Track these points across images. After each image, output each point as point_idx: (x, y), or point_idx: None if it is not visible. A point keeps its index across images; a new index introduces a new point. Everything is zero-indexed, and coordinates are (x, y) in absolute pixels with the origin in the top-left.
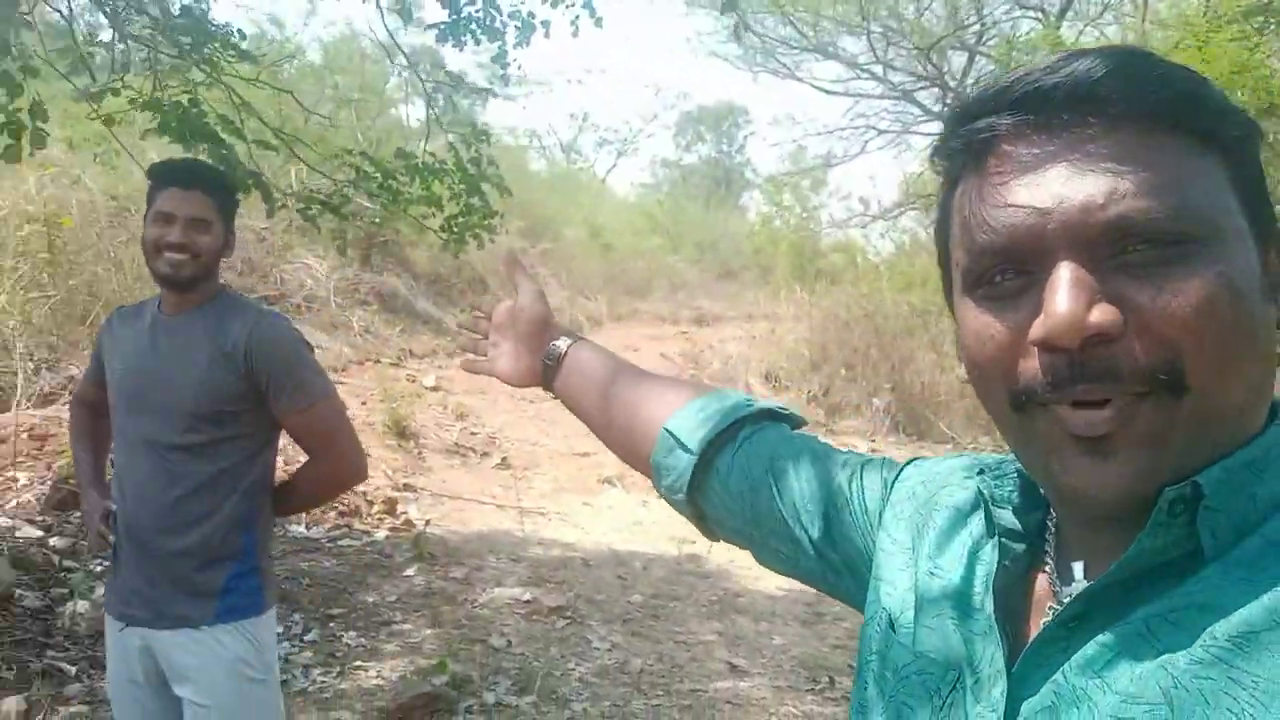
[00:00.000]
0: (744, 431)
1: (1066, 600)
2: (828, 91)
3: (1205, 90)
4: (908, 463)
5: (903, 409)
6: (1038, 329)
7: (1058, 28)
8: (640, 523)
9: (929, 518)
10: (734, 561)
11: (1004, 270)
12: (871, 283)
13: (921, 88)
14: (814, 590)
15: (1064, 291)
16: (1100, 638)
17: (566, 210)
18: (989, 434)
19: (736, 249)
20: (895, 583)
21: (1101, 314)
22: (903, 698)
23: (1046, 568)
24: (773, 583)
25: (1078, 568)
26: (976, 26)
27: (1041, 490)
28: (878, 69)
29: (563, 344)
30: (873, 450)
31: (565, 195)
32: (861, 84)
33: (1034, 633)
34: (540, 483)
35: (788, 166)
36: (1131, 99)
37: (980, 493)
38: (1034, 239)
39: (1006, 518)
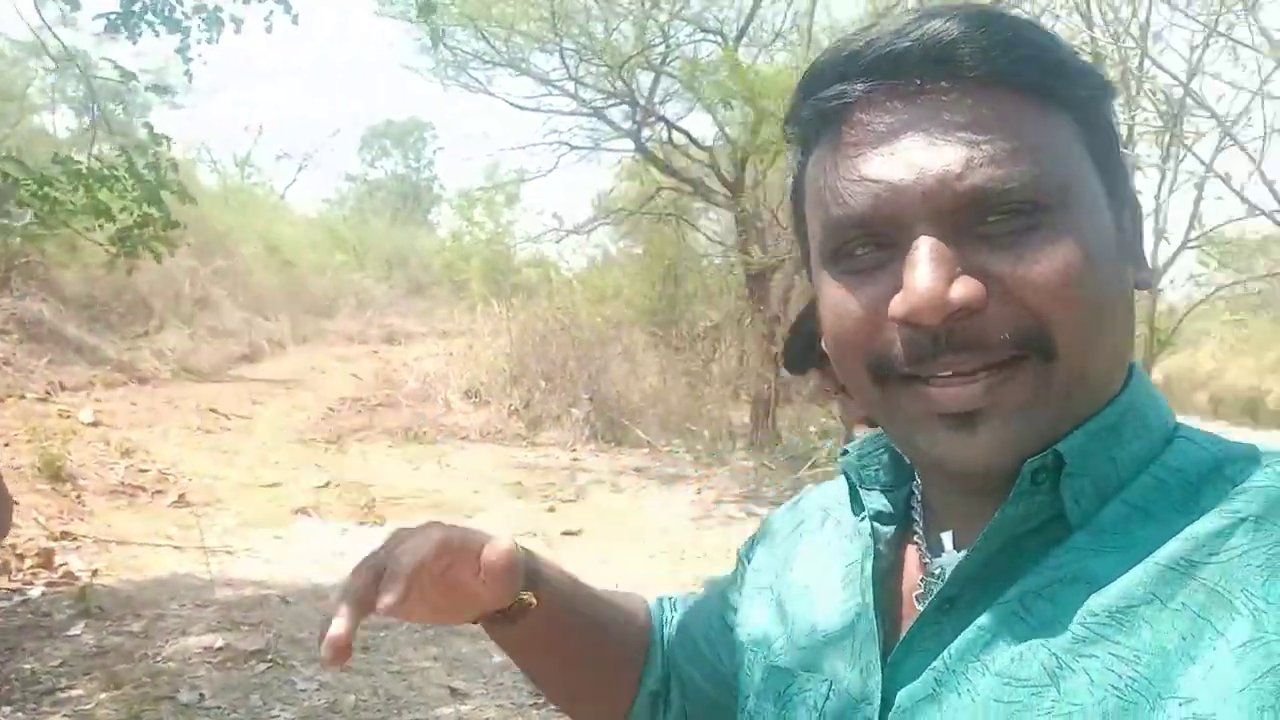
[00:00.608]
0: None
1: (937, 572)
2: (520, 107)
3: (1058, 50)
4: (765, 522)
5: (601, 417)
6: (898, 306)
7: (735, 51)
8: (343, 553)
9: (796, 541)
10: None
11: (862, 243)
12: (566, 296)
13: (612, 105)
14: None
15: (924, 267)
16: (978, 621)
17: (242, 227)
18: (680, 436)
19: (427, 265)
20: (759, 622)
21: (963, 289)
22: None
23: (916, 540)
24: None
25: (946, 538)
26: (662, 47)
27: (908, 460)
28: (570, 86)
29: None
30: (573, 459)
31: (240, 211)
32: (554, 100)
33: (906, 610)
34: (224, 519)
35: (481, 181)
36: (985, 61)
37: (845, 476)
38: (892, 212)
39: (876, 499)
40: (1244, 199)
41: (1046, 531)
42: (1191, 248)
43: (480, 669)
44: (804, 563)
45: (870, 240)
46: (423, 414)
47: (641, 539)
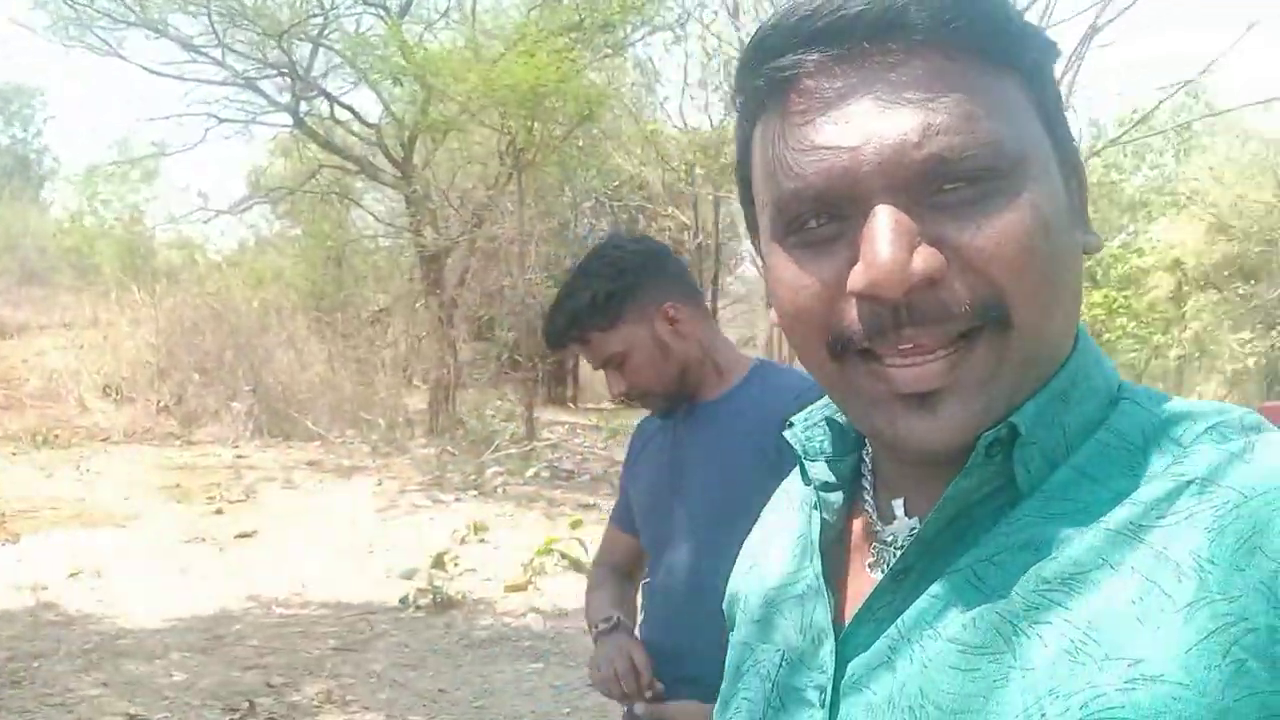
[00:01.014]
0: None
1: (889, 539)
2: (158, 74)
3: (1005, 12)
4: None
5: (265, 410)
6: (857, 279)
7: (399, 26)
8: None
9: (762, 528)
10: (101, 601)
11: (816, 215)
12: (218, 281)
13: (268, 76)
14: (208, 613)
15: (884, 238)
16: (932, 589)
17: None
18: (354, 426)
19: (42, 249)
20: (738, 605)
21: (924, 260)
22: (741, 697)
23: (866, 508)
24: (157, 614)
25: (898, 505)
26: (320, 18)
27: (859, 431)
28: (218, 53)
29: None
30: (238, 456)
31: None
32: (200, 68)
33: (855, 578)
34: None
35: (112, 155)
36: (937, 25)
37: (791, 447)
38: (847, 182)
39: (820, 470)
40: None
41: (996, 499)
42: None
43: (161, 690)
44: (759, 540)
45: (825, 211)
46: (52, 415)
47: (324, 536)
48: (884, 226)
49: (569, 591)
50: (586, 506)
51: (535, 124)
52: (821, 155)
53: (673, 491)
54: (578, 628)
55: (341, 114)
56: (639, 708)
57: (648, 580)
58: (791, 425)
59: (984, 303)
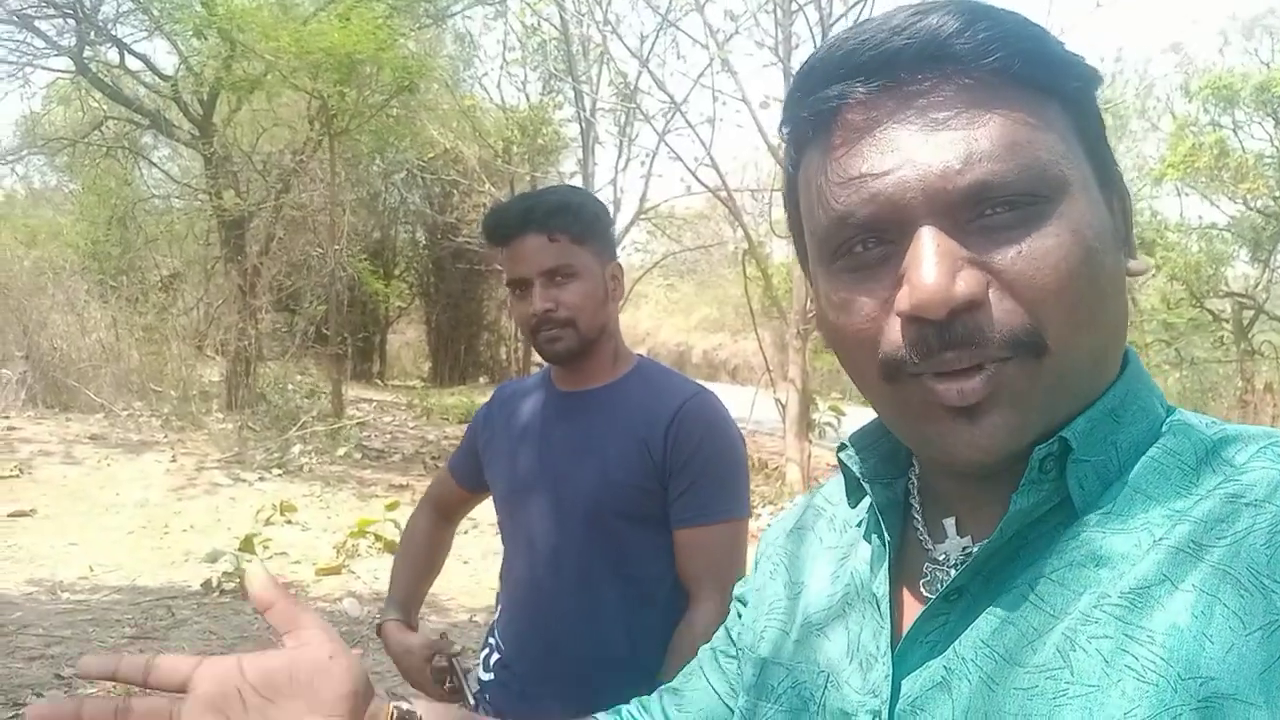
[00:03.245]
0: None
1: (941, 559)
2: None
3: (1048, 42)
4: (760, 542)
5: (41, 379)
6: (903, 300)
7: None
8: None
9: (793, 544)
10: None
11: (864, 240)
12: None
13: (47, 16)
14: None
15: (929, 262)
16: (988, 608)
17: None
18: (143, 399)
19: None
20: (750, 624)
21: (967, 283)
22: (779, 718)
23: (916, 528)
24: None
25: (949, 524)
26: None
27: (911, 450)
28: None
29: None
30: (9, 428)
31: None
32: None
33: (907, 599)
34: None
35: None
36: (980, 55)
37: (844, 468)
38: (893, 208)
39: (875, 490)
40: (693, 175)
41: (1051, 518)
42: (642, 219)
43: None
44: (798, 561)
45: (871, 236)
46: None
47: (113, 515)
48: (929, 250)
49: (386, 574)
50: (399, 487)
51: (349, 91)
52: (869, 183)
53: (543, 472)
54: None
55: (133, 63)
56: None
57: (505, 567)
58: (845, 448)
59: (1020, 328)
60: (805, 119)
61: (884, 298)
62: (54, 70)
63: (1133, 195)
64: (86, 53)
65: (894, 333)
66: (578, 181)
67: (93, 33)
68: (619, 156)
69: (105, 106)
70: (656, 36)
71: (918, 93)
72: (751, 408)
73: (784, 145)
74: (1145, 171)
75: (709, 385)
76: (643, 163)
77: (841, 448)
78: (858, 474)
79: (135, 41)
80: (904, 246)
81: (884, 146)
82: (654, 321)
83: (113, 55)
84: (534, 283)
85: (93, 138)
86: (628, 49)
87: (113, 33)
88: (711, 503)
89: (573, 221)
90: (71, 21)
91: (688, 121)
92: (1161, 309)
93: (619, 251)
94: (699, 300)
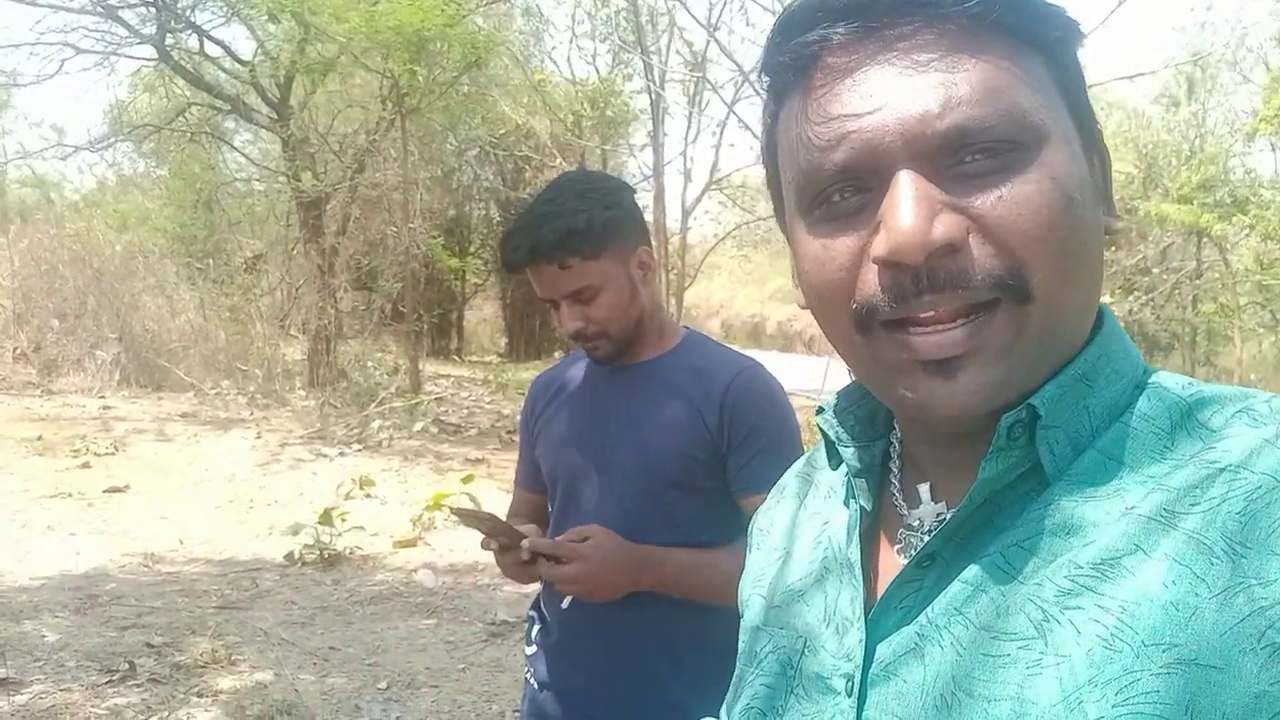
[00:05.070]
0: None
1: (915, 524)
2: None
3: None
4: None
5: (134, 359)
6: (879, 245)
7: None
8: None
9: (775, 509)
10: None
11: (841, 188)
12: (78, 222)
13: (129, 5)
14: (79, 571)
15: (905, 205)
16: (960, 575)
17: None
18: (229, 377)
19: None
20: (743, 592)
21: (946, 226)
22: (759, 683)
23: (892, 492)
24: (23, 573)
25: (924, 489)
26: None
27: (890, 408)
28: None
29: None
30: (104, 407)
31: None
32: None
33: (884, 565)
34: None
35: None
36: (959, 0)
37: (822, 431)
38: (871, 153)
39: (851, 453)
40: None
41: (1024, 484)
42: (713, 190)
43: (33, 652)
44: (780, 526)
45: (849, 184)
46: None
47: (202, 490)
48: (906, 193)
49: (460, 546)
50: (475, 461)
51: (420, 69)
52: (846, 128)
53: (596, 450)
54: (471, 583)
55: (212, 49)
56: (524, 550)
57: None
58: (821, 411)
59: (1003, 273)
60: (785, 64)
61: (860, 247)
62: (138, 59)
63: (1224, 151)
64: (168, 40)
65: (870, 282)
66: (648, 156)
67: (173, 20)
68: (689, 127)
69: (188, 93)
70: (725, 5)
71: (898, 36)
72: (824, 378)
73: (764, 96)
74: (1237, 127)
75: (784, 355)
76: (713, 133)
77: (819, 411)
78: (833, 437)
79: (214, 27)
80: (881, 194)
81: (863, 89)
82: (728, 293)
83: (193, 42)
84: (560, 303)
85: (177, 124)
86: (694, 19)
87: (192, 20)
88: (774, 472)
89: (580, 244)
90: (153, 10)
91: (757, 90)
92: (1255, 269)
93: (690, 222)
94: (773, 270)
